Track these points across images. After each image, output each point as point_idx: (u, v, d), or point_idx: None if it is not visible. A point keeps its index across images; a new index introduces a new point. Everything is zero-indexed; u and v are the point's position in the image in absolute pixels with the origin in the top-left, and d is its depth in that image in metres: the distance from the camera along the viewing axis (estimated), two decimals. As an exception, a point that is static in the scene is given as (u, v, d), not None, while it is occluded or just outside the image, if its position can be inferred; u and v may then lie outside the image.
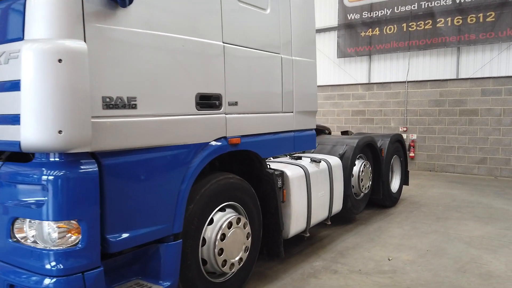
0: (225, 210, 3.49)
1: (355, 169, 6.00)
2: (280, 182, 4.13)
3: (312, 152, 5.93)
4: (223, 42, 3.28)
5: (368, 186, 6.30)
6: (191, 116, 2.99)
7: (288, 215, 4.30)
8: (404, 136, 12.21)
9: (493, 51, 11.13)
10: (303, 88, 4.39)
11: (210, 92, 3.16)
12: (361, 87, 13.15)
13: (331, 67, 13.83)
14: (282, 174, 4.16)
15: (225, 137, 3.34)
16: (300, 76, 4.33)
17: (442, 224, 6.20)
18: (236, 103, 3.41)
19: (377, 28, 12.73)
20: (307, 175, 4.54)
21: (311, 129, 4.63)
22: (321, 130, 7.12)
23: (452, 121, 11.68)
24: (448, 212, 6.92)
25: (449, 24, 11.49)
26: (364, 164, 6.11)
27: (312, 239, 5.44)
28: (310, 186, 4.58)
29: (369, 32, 12.90)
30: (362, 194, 6.26)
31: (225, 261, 3.38)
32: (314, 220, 4.77)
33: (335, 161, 5.30)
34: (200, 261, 3.26)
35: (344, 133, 8.08)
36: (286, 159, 4.97)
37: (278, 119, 4.02)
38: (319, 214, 4.86)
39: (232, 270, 3.50)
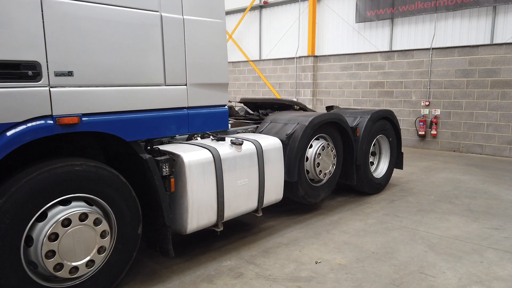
0: (70, 203, 2.93)
1: (311, 152, 5.15)
2: (167, 168, 3.46)
3: (262, 132, 5.16)
4: (40, -6, 2.61)
5: (330, 172, 5.42)
6: (-24, 90, 2.39)
7: (184, 207, 3.65)
8: (426, 111, 10.89)
9: (535, 11, 9.34)
10: (203, 56, 3.62)
11: (14, 59, 2.53)
12: (381, 55, 11.79)
13: (349, 33, 12.55)
14: (169, 159, 3.49)
15: (50, 116, 2.72)
16: (198, 40, 3.55)
17: (418, 218, 5.21)
18: (70, 73, 2.76)
19: (400, -13, 11.21)
20: (216, 160, 3.83)
21: (220, 106, 3.86)
22: (289, 106, 6.25)
23: (482, 94, 10.12)
24: (437, 204, 5.87)
25: (484, -21, 9.78)
26: (323, 146, 5.22)
27: (249, 231, 4.77)
28: (221, 172, 3.87)
29: (391, -7, 11.41)
30: (324, 180, 5.41)
31: (60, 264, 2.84)
32: (231, 212, 4.07)
33: (270, 142, 4.50)
34: (23, 264, 2.74)
35: (329, 108, 7.13)
36: (207, 140, 4.26)
37: (156, 93, 3.31)
38: (240, 205, 4.14)
39: (77, 275, 2.96)
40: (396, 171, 7.82)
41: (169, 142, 4.21)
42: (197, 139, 4.44)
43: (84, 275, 3.04)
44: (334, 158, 5.47)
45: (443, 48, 10.64)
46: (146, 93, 3.23)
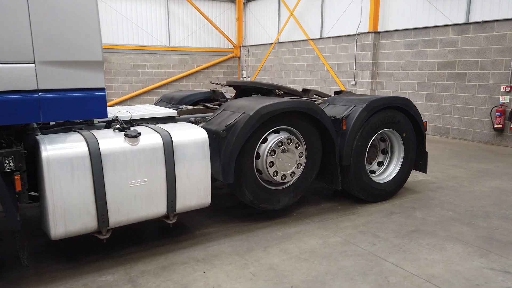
0: None
1: (264, 148, 4.18)
2: (11, 163, 2.93)
3: (209, 120, 4.35)
4: None
5: (293, 173, 4.38)
6: None
7: (46, 210, 3.12)
8: (506, 99, 8.71)
9: None
10: (61, 26, 2.94)
11: None
12: (453, 29, 9.72)
13: (418, 3, 10.59)
14: (15, 152, 2.94)
15: None
16: (52, 6, 2.89)
17: (402, 243, 3.93)
18: None
19: None
20: (93, 154, 3.19)
21: (93, 89, 3.15)
22: (270, 90, 5.25)
23: None
24: (449, 224, 4.43)
25: None
26: (281, 141, 4.20)
27: (173, 239, 4.07)
28: (101, 170, 3.23)
29: (469, -49, 9.23)
30: (289, 182, 4.41)
31: None
32: (122, 218, 3.41)
33: (188, 135, 3.69)
34: None
35: (337, 93, 5.93)
36: (109, 130, 3.63)
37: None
38: (136, 210, 3.46)
39: None
40: (430, 174, 6.30)
41: (81, 129, 3.69)
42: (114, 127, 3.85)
43: None
44: (300, 157, 4.40)
45: (533, 17, 8.28)
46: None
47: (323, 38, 13.44)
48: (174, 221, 3.72)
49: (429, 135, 10.37)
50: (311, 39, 13.88)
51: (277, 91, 5.20)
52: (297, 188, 4.51)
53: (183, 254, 3.71)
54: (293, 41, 14.77)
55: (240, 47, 17.63)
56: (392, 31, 11.13)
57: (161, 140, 3.52)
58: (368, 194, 4.98)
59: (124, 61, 15.29)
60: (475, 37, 9.29)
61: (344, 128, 4.63)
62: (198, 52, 16.77)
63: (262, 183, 4.26)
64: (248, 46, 17.33)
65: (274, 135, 4.25)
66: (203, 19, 16.59)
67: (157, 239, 4.03)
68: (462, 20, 9.59)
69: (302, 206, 4.94)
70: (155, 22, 15.78)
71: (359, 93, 5.44)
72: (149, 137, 3.50)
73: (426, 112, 10.49)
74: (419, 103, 10.63)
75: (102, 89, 3.19)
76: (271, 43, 15.90)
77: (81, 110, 3.15)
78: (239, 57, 17.77)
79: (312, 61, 14.01)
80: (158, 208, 3.59)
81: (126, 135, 3.39)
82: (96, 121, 4.01)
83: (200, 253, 3.72)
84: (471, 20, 9.41)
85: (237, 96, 5.92)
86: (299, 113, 4.34)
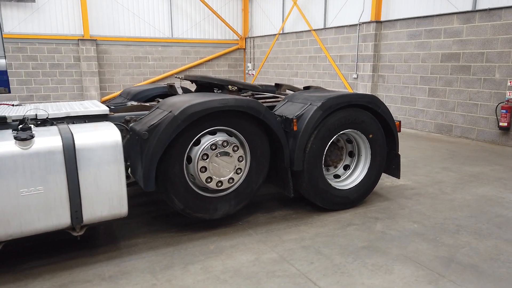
0: None
1: (196, 151, 3.74)
2: None
3: (141, 119, 3.95)
4: None
5: (232, 180, 3.92)
6: None
7: None
8: (513, 94, 7.92)
9: None
10: None
11: None
12: (457, 18, 8.93)
13: (421, -9, 9.80)
14: None
15: None
16: None
17: (343, 262, 3.43)
18: None
19: None
20: (-26, 160, 2.84)
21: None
22: (222, 86, 4.78)
23: None
24: (408, 240, 3.88)
25: None
26: (216, 144, 3.75)
27: (89, 251, 3.69)
28: (-16, 178, 2.87)
29: None
30: (229, 189, 3.97)
31: None
32: (14, 230, 3.05)
33: (97, 137, 3.28)
34: None
35: (306, 89, 5.41)
36: (6, 132, 3.28)
37: None
38: (31, 221, 3.09)
39: None
40: (413, 178, 5.71)
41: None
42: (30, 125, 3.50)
43: None
44: (240, 161, 3.94)
45: (545, 3, 7.44)
46: None
47: (326, 28, 12.78)
48: (81, 233, 3.34)
49: (431, 133, 9.65)
50: (314, 30, 13.23)
51: (230, 86, 4.72)
52: (239, 196, 4.05)
53: (92, 270, 3.34)
54: (296, 32, 14.16)
55: (245, 38, 17.12)
56: (395, 20, 10.38)
57: (60, 143, 3.14)
58: (326, 201, 4.47)
59: (125, 53, 15.08)
60: (481, 26, 8.48)
61: (296, 129, 4.12)
62: (201, 43, 16.37)
63: (196, 190, 3.83)
64: (254, 37, 16.80)
65: (209, 136, 3.81)
66: (207, 10, 16.16)
67: (73, 250, 3.67)
68: (469, 8, 8.78)
69: (252, 214, 4.49)
70: (157, 13, 15.47)
71: (329, 89, 4.89)
72: (46, 140, 3.11)
73: (428, 108, 9.76)
74: (421, 98, 9.91)
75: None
76: (276, 34, 15.31)
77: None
78: (244, 49, 17.27)
79: (314, 53, 13.37)
80: (60, 219, 3.21)
81: (15, 138, 3.02)
82: (10, 119, 3.66)
83: (110, 270, 3.34)
84: (478, 7, 8.59)
85: (196, 91, 5.48)
86: (238, 112, 3.87)
